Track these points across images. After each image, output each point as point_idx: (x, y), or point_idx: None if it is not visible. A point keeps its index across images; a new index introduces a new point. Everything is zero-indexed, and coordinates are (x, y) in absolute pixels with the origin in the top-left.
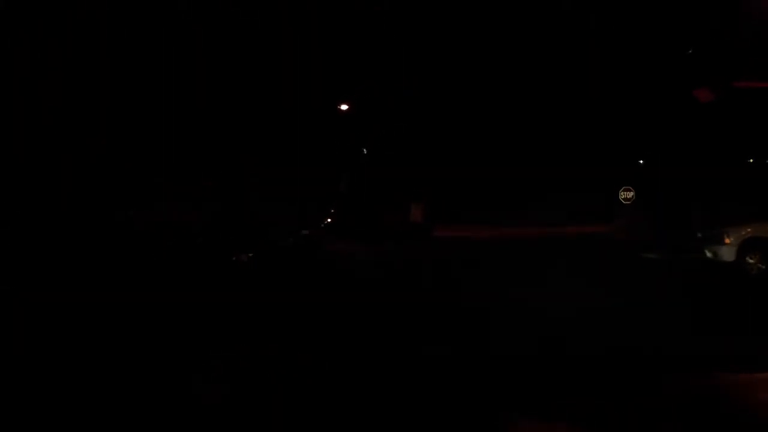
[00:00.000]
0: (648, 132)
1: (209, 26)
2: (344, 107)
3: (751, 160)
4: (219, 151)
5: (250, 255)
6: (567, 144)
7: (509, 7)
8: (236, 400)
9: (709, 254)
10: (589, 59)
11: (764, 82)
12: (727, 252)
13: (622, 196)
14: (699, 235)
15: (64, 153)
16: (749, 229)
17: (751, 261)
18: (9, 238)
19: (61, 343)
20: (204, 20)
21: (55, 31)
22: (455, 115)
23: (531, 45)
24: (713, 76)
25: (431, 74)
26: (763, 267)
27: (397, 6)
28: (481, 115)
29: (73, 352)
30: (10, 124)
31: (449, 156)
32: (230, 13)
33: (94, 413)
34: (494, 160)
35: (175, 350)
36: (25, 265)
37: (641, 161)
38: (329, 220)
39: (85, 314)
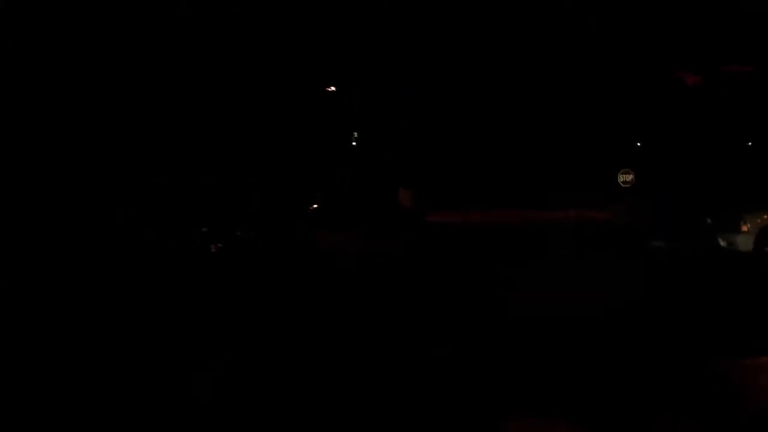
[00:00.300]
0: (647, 117)
1: (209, 26)
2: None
3: (750, 143)
4: (219, 151)
5: (219, 245)
6: (566, 139)
7: (509, 5)
8: (236, 400)
9: (722, 243)
10: (588, 56)
11: (749, 67)
12: (744, 241)
13: (621, 179)
14: (709, 221)
15: (64, 153)
16: (766, 216)
17: None
18: (9, 238)
19: (61, 343)
20: (204, 20)
21: (55, 31)
22: (454, 114)
23: (531, 43)
24: (700, 60)
25: (431, 74)
26: None
27: (397, 6)
28: (479, 114)
29: (73, 352)
30: (10, 124)
31: (447, 154)
32: (230, 13)
33: (95, 413)
34: (492, 159)
35: (175, 350)
36: (25, 265)
37: (639, 144)
38: (315, 206)
39: (85, 314)
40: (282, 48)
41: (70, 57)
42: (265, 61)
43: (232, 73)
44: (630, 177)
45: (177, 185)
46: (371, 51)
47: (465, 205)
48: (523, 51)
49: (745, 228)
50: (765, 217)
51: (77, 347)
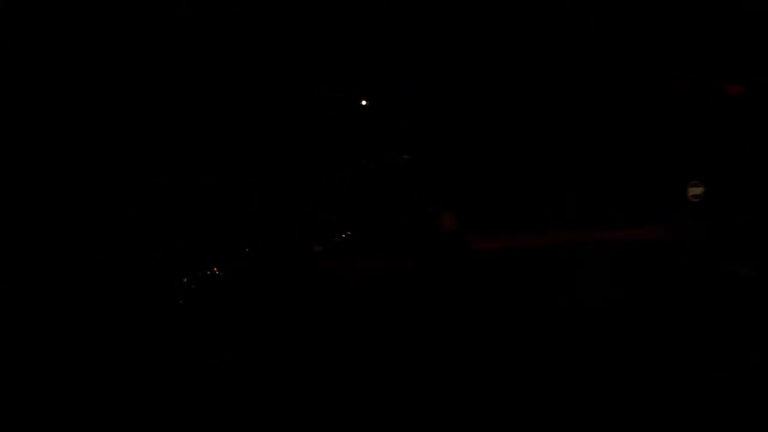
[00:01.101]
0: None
1: (209, 26)
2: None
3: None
4: (219, 151)
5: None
6: (567, 141)
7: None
8: (236, 400)
9: None
10: (594, 54)
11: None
12: None
13: (691, 193)
14: None
15: (64, 153)
16: None
17: None
18: (9, 238)
19: (61, 344)
20: (204, 20)
21: (55, 31)
22: (455, 115)
23: (533, 40)
24: (699, 61)
25: (431, 74)
26: None
27: (397, 6)
28: (480, 115)
29: (73, 353)
30: (10, 124)
31: (473, 157)
32: (230, 13)
33: (95, 413)
34: (493, 161)
35: (175, 350)
36: (25, 265)
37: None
38: (348, 233)
39: (85, 314)
40: (282, 48)
41: (70, 57)
42: (265, 62)
43: (232, 74)
44: (700, 190)
45: (177, 185)
46: (371, 51)
47: (513, 226)
48: (523, 51)
49: None
50: None
51: (77, 348)
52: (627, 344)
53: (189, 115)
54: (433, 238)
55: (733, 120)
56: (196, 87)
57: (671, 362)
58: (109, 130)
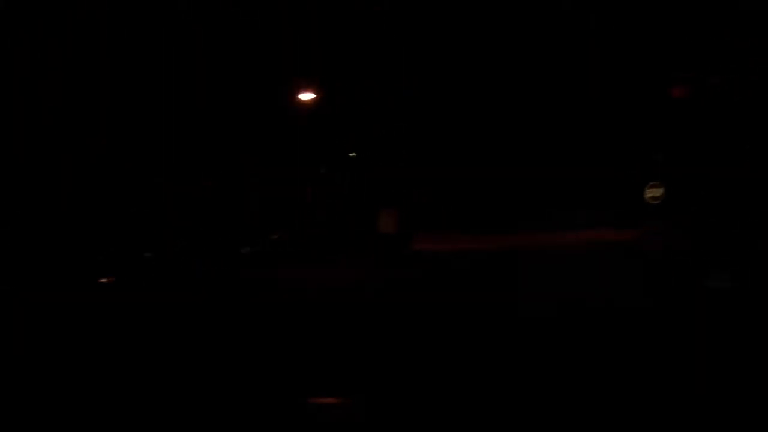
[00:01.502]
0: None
1: (209, 26)
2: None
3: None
4: (219, 151)
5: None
6: (572, 142)
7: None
8: (236, 401)
9: None
10: (590, 56)
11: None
12: None
13: (649, 195)
14: None
15: (64, 153)
16: None
17: None
18: (9, 238)
19: (61, 344)
20: (204, 20)
21: (55, 31)
22: (452, 115)
23: (532, 41)
24: (685, 72)
25: (431, 74)
26: None
27: (397, 6)
28: (478, 114)
29: (73, 353)
30: (10, 124)
31: (441, 156)
32: (230, 13)
33: (94, 413)
34: (490, 160)
35: (175, 350)
36: (25, 265)
37: (659, 157)
38: (279, 234)
39: (85, 314)
40: (282, 48)
41: (70, 57)
42: (264, 62)
43: (232, 74)
44: (660, 192)
45: (177, 185)
46: (371, 51)
47: (459, 227)
48: (523, 51)
49: None
50: None
51: (77, 347)
52: (616, 347)
53: (189, 116)
54: (371, 239)
55: (732, 120)
56: (196, 87)
57: (658, 367)
58: (109, 130)
